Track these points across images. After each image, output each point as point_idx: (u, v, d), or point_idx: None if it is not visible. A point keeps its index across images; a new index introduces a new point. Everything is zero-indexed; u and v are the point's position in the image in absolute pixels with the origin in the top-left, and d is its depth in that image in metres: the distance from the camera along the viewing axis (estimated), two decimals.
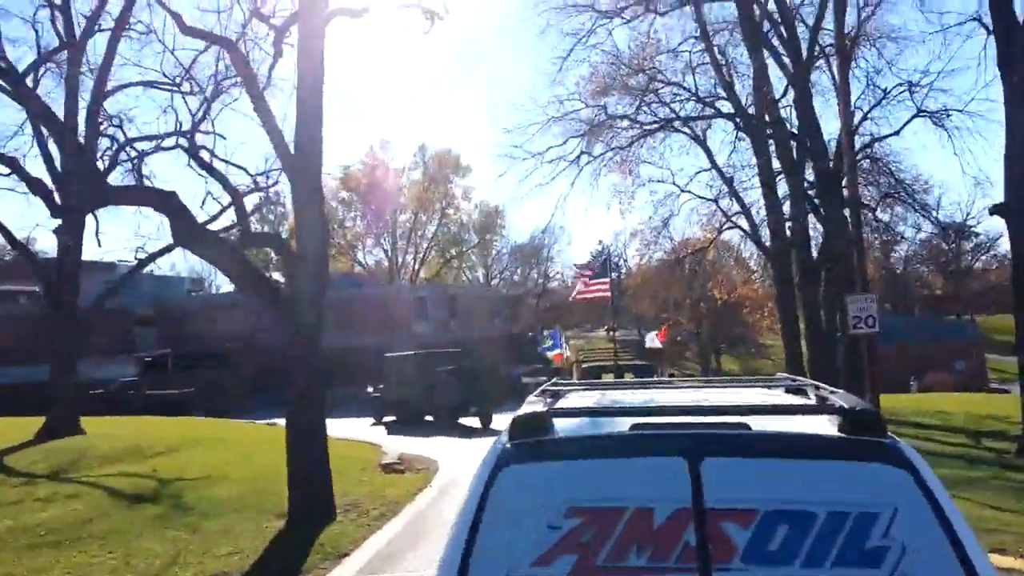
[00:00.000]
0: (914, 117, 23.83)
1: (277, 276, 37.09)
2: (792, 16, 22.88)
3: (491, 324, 45.98)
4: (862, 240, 17.83)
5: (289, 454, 9.49)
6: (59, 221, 17.51)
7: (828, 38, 22.28)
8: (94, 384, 28.33)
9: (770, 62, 22.81)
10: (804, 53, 22.33)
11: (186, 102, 20.22)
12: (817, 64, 23.91)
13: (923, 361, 43.97)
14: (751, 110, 23.88)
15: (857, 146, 22.04)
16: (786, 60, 22.47)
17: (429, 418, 23.57)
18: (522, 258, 67.19)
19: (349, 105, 56.61)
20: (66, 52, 18.65)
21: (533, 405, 2.91)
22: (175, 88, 18.91)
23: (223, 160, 17.97)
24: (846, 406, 2.56)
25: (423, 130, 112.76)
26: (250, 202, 23.10)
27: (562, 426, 2.62)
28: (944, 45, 69.65)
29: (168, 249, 19.51)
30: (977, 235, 59.32)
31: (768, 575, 2.24)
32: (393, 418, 24.63)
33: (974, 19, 18.26)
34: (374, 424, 24.40)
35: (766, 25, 22.95)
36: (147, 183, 18.58)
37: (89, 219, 19.16)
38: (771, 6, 22.88)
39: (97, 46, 33.87)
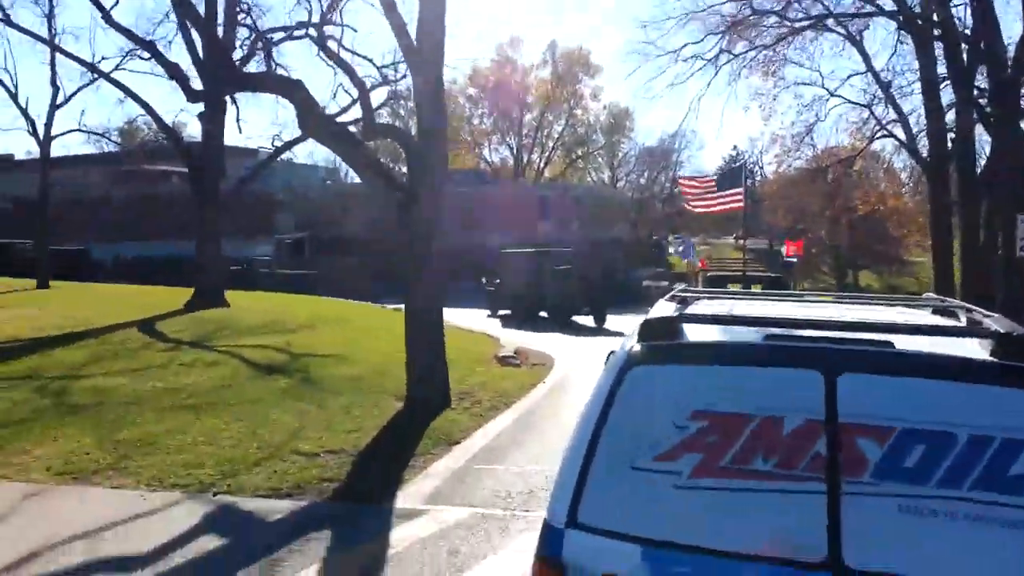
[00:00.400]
0: None
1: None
2: None
3: (614, 227, 45.20)
4: None
5: (408, 344, 9.72)
6: (200, 107, 18.25)
7: None
8: (234, 261, 30.43)
9: None
10: None
11: None
12: None
13: None
14: (916, 8, 21.32)
15: None
16: None
17: (543, 314, 23.96)
18: (650, 162, 64.88)
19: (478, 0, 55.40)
20: None
21: (663, 310, 3.00)
22: None
23: (349, 51, 18.00)
24: (1002, 331, 2.49)
25: (554, 27, 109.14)
26: (379, 97, 23.23)
27: (692, 332, 2.67)
28: None
29: (302, 138, 20.02)
30: None
31: (900, 491, 2.24)
32: (508, 312, 25.23)
33: None
34: (489, 316, 25.05)
35: None
36: (283, 73, 18.96)
37: (231, 106, 19.92)
38: None
39: None
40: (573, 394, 11.20)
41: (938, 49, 20.45)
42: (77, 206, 44.01)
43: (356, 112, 19.85)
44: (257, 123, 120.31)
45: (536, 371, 13.35)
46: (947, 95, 20.75)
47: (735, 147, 73.90)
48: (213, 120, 19.20)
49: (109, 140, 33.38)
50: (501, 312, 25.52)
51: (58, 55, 24.59)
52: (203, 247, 20.15)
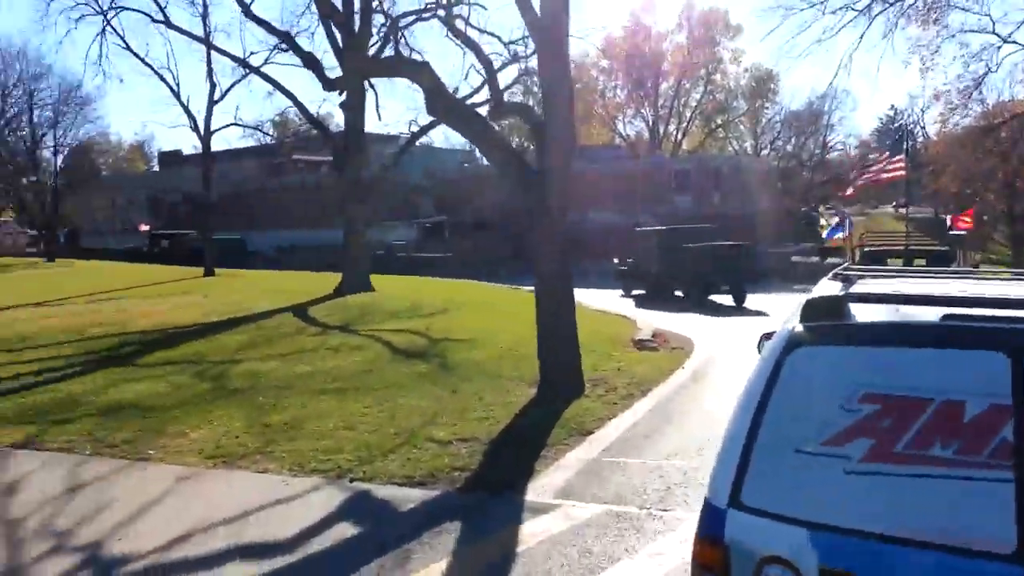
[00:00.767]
0: None
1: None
2: None
3: (759, 198, 43.04)
4: None
5: (539, 330, 9.58)
6: (342, 96, 18.89)
7: None
8: (376, 246, 31.84)
9: None
10: None
11: None
12: None
13: None
14: None
15: None
16: None
17: (678, 293, 23.36)
18: (797, 127, 61.05)
19: None
20: None
21: (827, 288, 2.93)
22: None
23: (477, 28, 18.01)
24: None
25: None
26: (511, 75, 23.14)
27: (858, 311, 2.59)
28: None
29: (435, 123, 20.35)
30: None
31: None
32: (641, 292, 24.81)
33: None
34: (623, 296, 24.74)
35: None
36: (416, 57, 19.27)
37: (370, 94, 20.54)
38: None
39: None
40: (715, 380, 10.66)
41: None
42: (236, 197, 47.33)
43: (487, 93, 19.96)
44: (396, 110, 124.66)
45: (675, 355, 12.86)
46: None
47: (892, 106, 68.45)
48: (353, 108, 19.88)
49: (263, 133, 35.57)
50: (635, 292, 25.18)
51: (212, 52, 26.40)
52: (348, 234, 21.00)
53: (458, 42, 16.63)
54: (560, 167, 9.49)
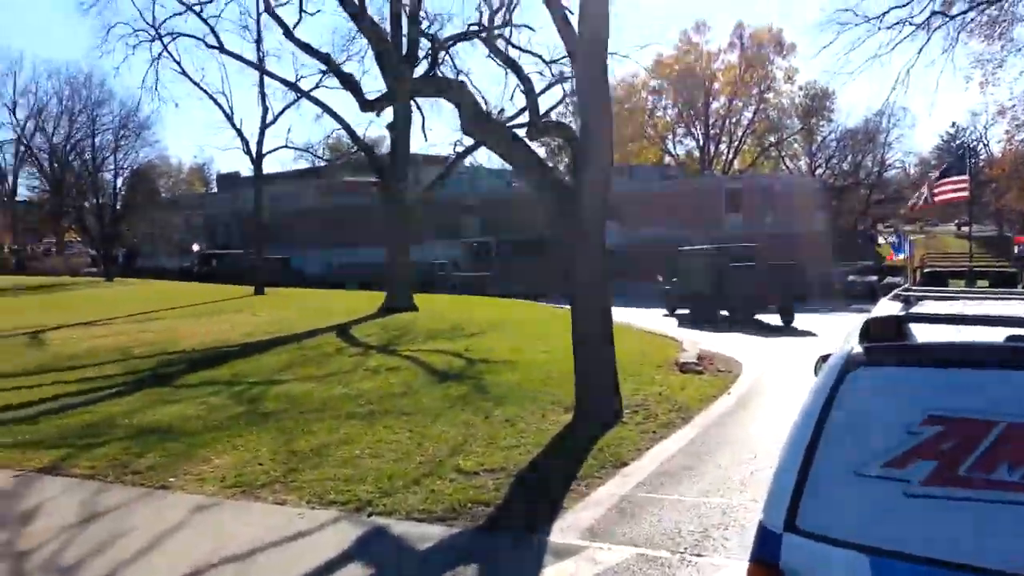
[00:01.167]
0: None
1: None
2: None
3: (814, 217, 41.90)
4: None
5: (575, 351, 9.22)
6: (388, 118, 18.96)
7: None
8: (420, 266, 32.15)
9: None
10: None
11: None
12: None
13: None
14: None
15: None
16: None
17: (723, 313, 22.83)
18: (853, 145, 59.35)
19: None
20: None
21: (886, 308, 2.92)
22: None
23: (519, 48, 17.91)
24: None
25: (740, 6, 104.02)
26: (555, 96, 22.95)
27: (919, 332, 2.57)
28: None
29: (477, 144, 20.28)
30: None
31: None
32: (686, 311, 24.39)
33: None
34: (666, 315, 24.44)
35: None
36: (463, 79, 19.23)
37: (416, 115, 20.61)
38: None
39: None
40: (763, 407, 10.12)
41: None
42: (287, 217, 48.21)
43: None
44: (442, 131, 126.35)
45: (721, 378, 12.33)
46: None
47: (953, 123, 66.20)
48: (398, 129, 19.96)
49: (313, 155, 36.07)
50: (678, 311, 24.80)
51: (264, 76, 26.92)
52: (392, 253, 21.01)
53: (499, 61, 16.54)
54: (598, 185, 9.18)
